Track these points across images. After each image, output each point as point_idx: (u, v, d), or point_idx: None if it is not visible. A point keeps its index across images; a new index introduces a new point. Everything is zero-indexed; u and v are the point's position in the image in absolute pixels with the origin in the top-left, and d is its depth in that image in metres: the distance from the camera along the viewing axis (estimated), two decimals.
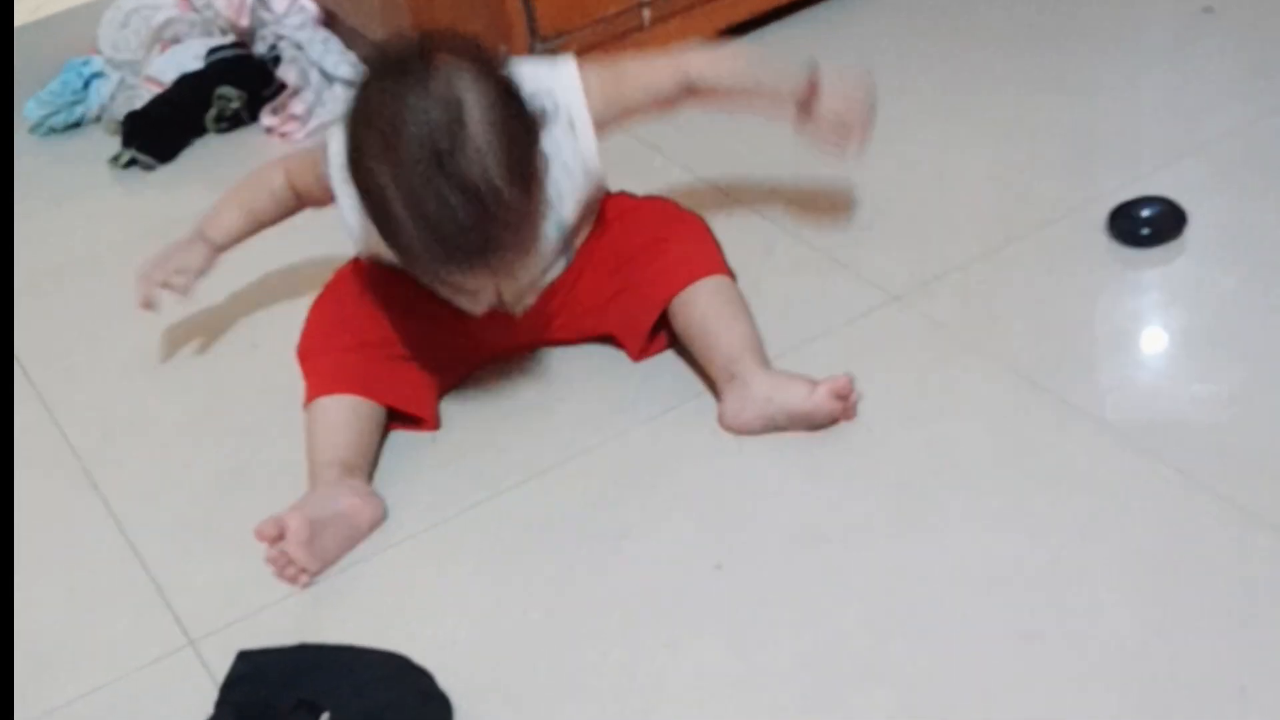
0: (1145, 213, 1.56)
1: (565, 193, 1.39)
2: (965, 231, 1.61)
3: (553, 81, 1.36)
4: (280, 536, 1.26)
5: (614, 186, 1.56)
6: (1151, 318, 1.51)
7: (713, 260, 1.46)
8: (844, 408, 1.35)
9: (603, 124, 1.40)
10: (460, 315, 1.43)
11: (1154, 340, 1.48)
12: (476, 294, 1.35)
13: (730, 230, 1.60)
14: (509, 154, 1.24)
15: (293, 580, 1.28)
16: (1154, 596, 1.17)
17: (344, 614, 1.25)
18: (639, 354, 1.47)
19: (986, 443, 1.33)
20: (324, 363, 1.41)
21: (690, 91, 1.44)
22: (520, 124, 1.27)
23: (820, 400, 1.34)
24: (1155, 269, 1.53)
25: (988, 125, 1.79)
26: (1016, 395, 1.38)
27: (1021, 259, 1.55)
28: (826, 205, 1.68)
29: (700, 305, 1.41)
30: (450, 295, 1.37)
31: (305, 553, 1.26)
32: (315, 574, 1.28)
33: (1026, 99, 1.82)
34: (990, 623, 1.16)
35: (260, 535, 1.26)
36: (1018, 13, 2.00)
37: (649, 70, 1.44)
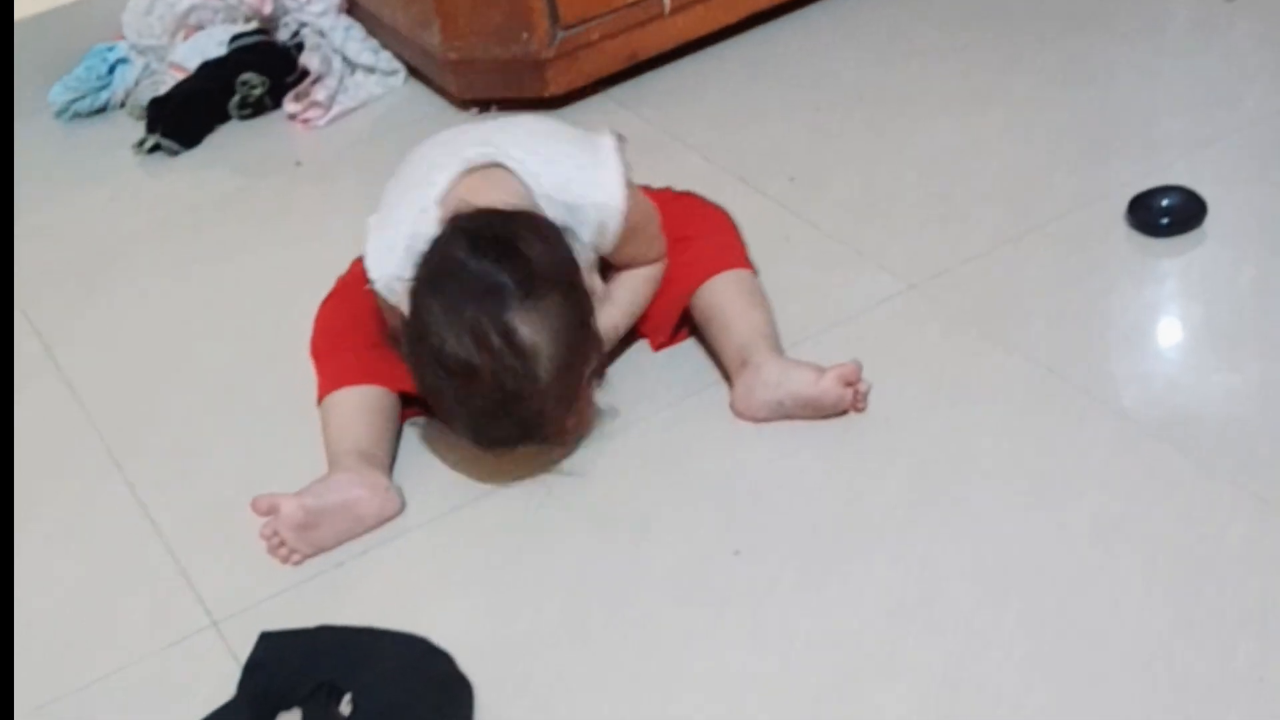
0: (1165, 202, 1.56)
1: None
2: (983, 220, 1.61)
3: (600, 210, 1.38)
4: (272, 513, 1.28)
5: (636, 177, 1.57)
6: (1170, 308, 1.51)
7: (735, 254, 1.47)
8: (852, 395, 1.36)
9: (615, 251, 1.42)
10: None
11: (1173, 330, 1.48)
12: None
13: (748, 219, 1.61)
14: (567, 393, 1.30)
15: (284, 560, 1.30)
16: (1172, 586, 1.17)
17: (365, 596, 1.27)
18: (659, 345, 1.48)
19: (1004, 432, 1.34)
20: (335, 359, 1.42)
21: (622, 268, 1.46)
22: (583, 359, 1.31)
23: (827, 386, 1.34)
24: (1175, 259, 1.53)
25: (1007, 114, 1.78)
26: (1035, 385, 1.38)
27: (1040, 248, 1.56)
28: (844, 195, 1.68)
29: (718, 295, 1.43)
30: None
31: (296, 536, 1.29)
32: (307, 557, 1.30)
33: (1046, 87, 1.82)
34: (1007, 612, 1.17)
35: (254, 508, 1.29)
36: (1038, 4, 2.00)
37: (655, 246, 1.46)
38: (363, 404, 1.38)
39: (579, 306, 1.31)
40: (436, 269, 1.28)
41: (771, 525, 1.28)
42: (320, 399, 1.41)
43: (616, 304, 1.44)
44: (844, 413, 1.36)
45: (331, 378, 1.40)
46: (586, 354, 1.32)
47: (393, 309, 1.35)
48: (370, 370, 1.40)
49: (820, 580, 1.22)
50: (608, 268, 1.46)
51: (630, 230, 1.41)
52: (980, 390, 1.39)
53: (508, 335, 1.25)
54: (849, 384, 1.35)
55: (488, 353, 1.24)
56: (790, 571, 1.23)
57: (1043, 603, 1.17)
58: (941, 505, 1.27)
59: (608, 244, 1.41)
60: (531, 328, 1.25)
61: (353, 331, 1.43)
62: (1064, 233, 1.57)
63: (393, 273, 1.33)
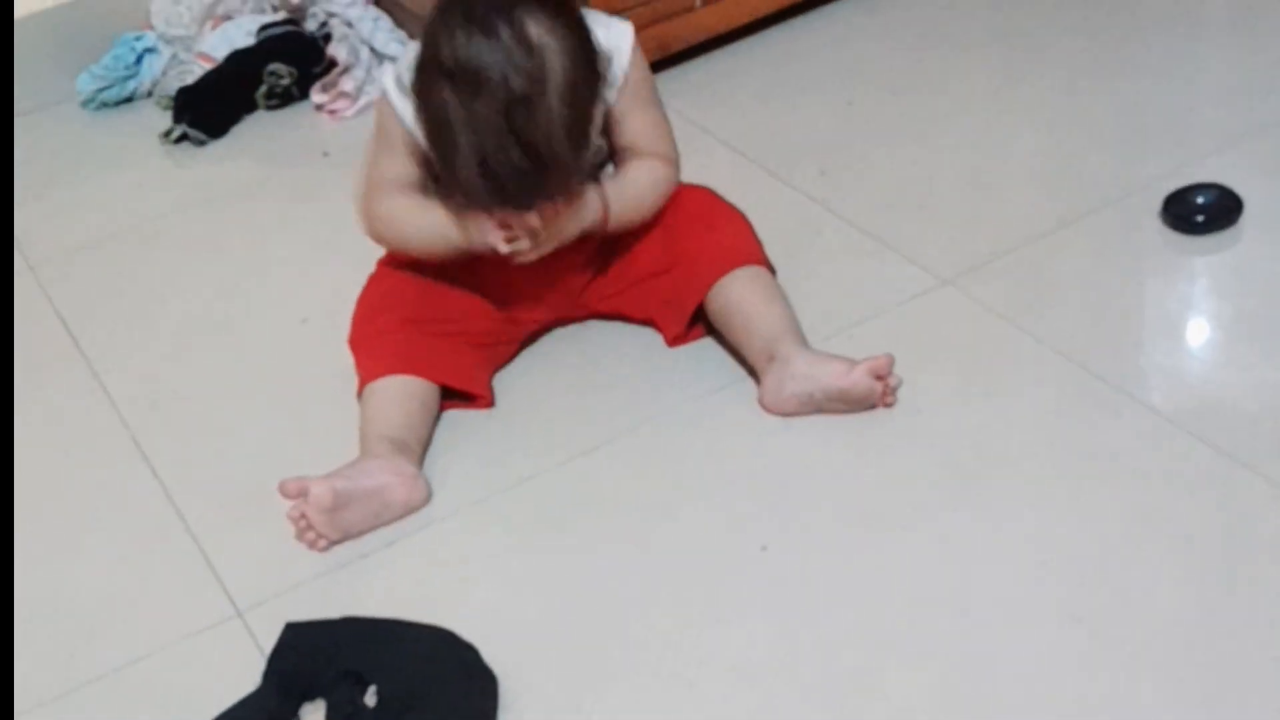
0: (1200, 199, 1.54)
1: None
2: (1016, 215, 1.59)
3: (611, 45, 1.38)
4: (301, 495, 1.27)
5: None
6: (1204, 304, 1.49)
7: (753, 251, 1.46)
8: (882, 388, 1.34)
9: (619, 93, 1.41)
10: (503, 289, 1.45)
11: (1206, 327, 1.46)
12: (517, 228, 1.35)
13: (779, 213, 1.60)
14: (575, 121, 1.29)
15: (311, 544, 1.29)
16: (1203, 579, 1.16)
17: (391, 587, 1.26)
18: (674, 340, 1.47)
19: (1036, 426, 1.33)
20: (375, 346, 1.42)
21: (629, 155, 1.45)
22: (590, 86, 1.32)
23: (858, 378, 1.33)
24: (1209, 256, 1.52)
25: (1040, 107, 1.77)
26: (1067, 380, 1.37)
27: (1073, 243, 1.54)
28: (876, 188, 1.67)
29: (737, 290, 1.42)
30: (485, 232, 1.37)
31: (324, 520, 1.28)
32: (334, 542, 1.29)
33: (1080, 79, 1.80)
34: (1038, 605, 1.16)
35: (282, 491, 1.28)
36: None
37: (658, 129, 1.45)
38: (403, 392, 1.37)
39: (588, 44, 1.31)
40: (444, 6, 1.30)
41: (799, 519, 1.27)
42: (362, 385, 1.40)
43: (615, 182, 1.43)
44: (873, 406, 1.35)
45: (375, 365, 1.40)
46: (594, 89, 1.33)
47: (393, 115, 1.37)
48: (414, 360, 1.39)
49: (849, 573, 1.21)
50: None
51: (639, 81, 1.41)
52: (1013, 384, 1.38)
53: (518, 31, 1.26)
54: (879, 377, 1.34)
55: (497, 46, 1.25)
56: (819, 565, 1.22)
57: (1075, 595, 1.16)
58: (973, 498, 1.26)
59: (615, 83, 1.39)
60: (541, 29, 1.27)
61: (397, 319, 1.42)
62: (1098, 227, 1.56)
63: (405, 64, 1.35)
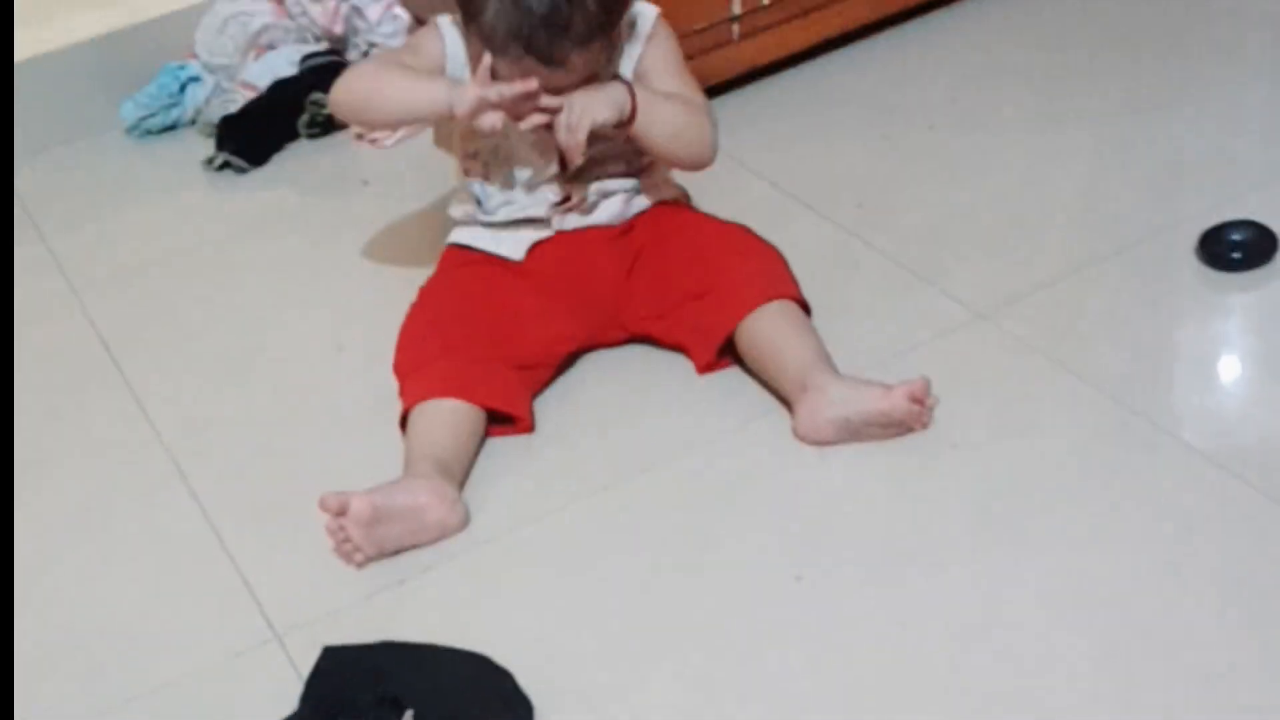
0: (1236, 236, 1.54)
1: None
2: (1052, 249, 1.60)
3: (639, 8, 1.47)
4: (341, 512, 1.28)
5: (698, 200, 1.57)
6: (1240, 342, 1.49)
7: (785, 284, 1.47)
8: (919, 412, 1.35)
9: (643, 58, 1.47)
10: (540, 307, 1.47)
11: (1242, 364, 1.46)
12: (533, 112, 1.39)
13: (815, 245, 1.61)
14: None
15: (347, 558, 1.31)
16: (1239, 618, 1.16)
17: (427, 612, 1.27)
18: (704, 368, 1.48)
19: (1071, 462, 1.33)
20: (422, 371, 1.43)
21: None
22: None
23: (897, 400, 1.34)
24: (1245, 293, 1.52)
25: (1078, 141, 1.77)
26: (1102, 415, 1.37)
27: (1109, 279, 1.54)
28: (912, 222, 1.67)
29: (769, 324, 1.43)
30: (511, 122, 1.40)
31: (362, 534, 1.29)
32: (370, 558, 1.31)
33: (1118, 115, 1.81)
34: (1073, 642, 1.16)
35: (323, 506, 1.29)
36: (1112, 28, 1.99)
37: (685, 87, 1.50)
38: (450, 415, 1.39)
39: None
40: None
41: (834, 550, 1.27)
42: (408, 408, 1.41)
43: (660, 90, 1.47)
44: (910, 430, 1.35)
45: (422, 388, 1.41)
46: None
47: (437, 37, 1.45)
48: (461, 384, 1.41)
49: (882, 606, 1.21)
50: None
51: (662, 45, 1.47)
52: (1047, 419, 1.38)
53: None
54: (916, 400, 1.34)
55: None
56: (853, 597, 1.22)
57: (1109, 631, 1.16)
58: (1007, 532, 1.26)
59: (639, 47, 1.46)
60: None
61: (441, 345, 1.44)
62: (1134, 263, 1.56)
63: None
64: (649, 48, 1.47)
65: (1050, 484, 1.31)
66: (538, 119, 1.40)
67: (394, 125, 1.72)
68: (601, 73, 1.43)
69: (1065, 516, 1.27)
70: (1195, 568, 1.21)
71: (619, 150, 1.49)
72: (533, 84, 1.37)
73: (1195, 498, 1.27)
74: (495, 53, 1.38)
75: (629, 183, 1.52)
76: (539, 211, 1.50)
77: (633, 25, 1.46)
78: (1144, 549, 1.23)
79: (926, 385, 1.35)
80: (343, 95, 1.49)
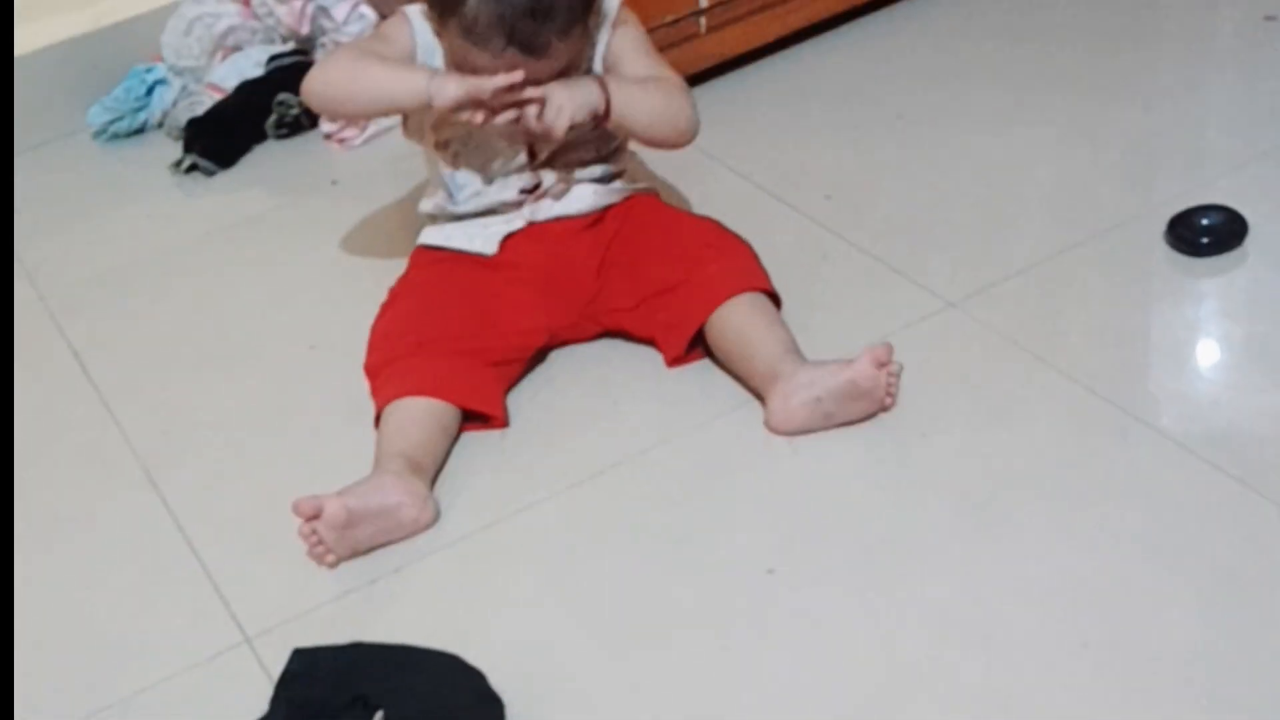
0: (1206, 221, 1.55)
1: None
2: (1023, 238, 1.60)
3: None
4: (315, 516, 1.28)
5: (667, 194, 1.57)
6: (1211, 327, 1.49)
7: (755, 276, 1.47)
8: (885, 379, 1.35)
9: (612, 46, 1.48)
10: (512, 301, 1.47)
11: (1214, 350, 1.46)
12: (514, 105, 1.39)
13: (786, 237, 1.60)
14: None
15: (319, 560, 1.30)
16: (1215, 606, 1.16)
17: (398, 613, 1.26)
18: (674, 361, 1.48)
19: (1045, 451, 1.33)
20: (393, 370, 1.43)
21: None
22: None
23: (861, 367, 1.34)
24: (1215, 278, 1.52)
25: (1047, 131, 1.77)
26: (1075, 404, 1.37)
27: (1080, 266, 1.54)
28: (882, 213, 1.67)
29: (739, 316, 1.43)
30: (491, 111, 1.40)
31: (335, 537, 1.29)
32: (342, 558, 1.30)
33: (1087, 105, 1.81)
34: (1049, 632, 1.15)
35: (297, 510, 1.28)
36: (1079, 18, 1.99)
37: (657, 69, 1.51)
38: (422, 413, 1.38)
39: None
40: None
41: (807, 542, 1.27)
42: (383, 404, 1.40)
43: (637, 81, 1.48)
44: (882, 403, 1.36)
45: (394, 387, 1.41)
46: None
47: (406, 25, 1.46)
48: (432, 382, 1.40)
49: (856, 598, 1.21)
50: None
51: (628, 32, 1.48)
52: (1020, 408, 1.38)
53: None
54: (881, 364, 1.34)
55: None
56: (826, 589, 1.22)
57: (1086, 620, 1.16)
58: (982, 521, 1.26)
59: (605, 34, 1.46)
60: None
61: (412, 342, 1.44)
62: (1105, 251, 1.56)
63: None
64: (616, 34, 1.48)
65: (1025, 472, 1.31)
66: (513, 114, 1.39)
67: (370, 115, 1.71)
68: (578, 61, 1.43)
69: (1040, 505, 1.27)
70: (1171, 554, 1.21)
71: (588, 135, 1.49)
72: (518, 76, 1.37)
73: (1169, 484, 1.27)
74: (475, 44, 1.37)
75: (599, 169, 1.52)
76: (509, 197, 1.50)
77: (599, 13, 1.46)
78: (1119, 536, 1.23)
79: (889, 350, 1.35)
80: (318, 86, 1.48)
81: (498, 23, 1.35)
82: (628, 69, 1.48)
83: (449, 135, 1.50)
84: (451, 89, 1.38)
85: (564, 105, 1.39)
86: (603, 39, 1.47)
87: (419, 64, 1.46)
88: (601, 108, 1.42)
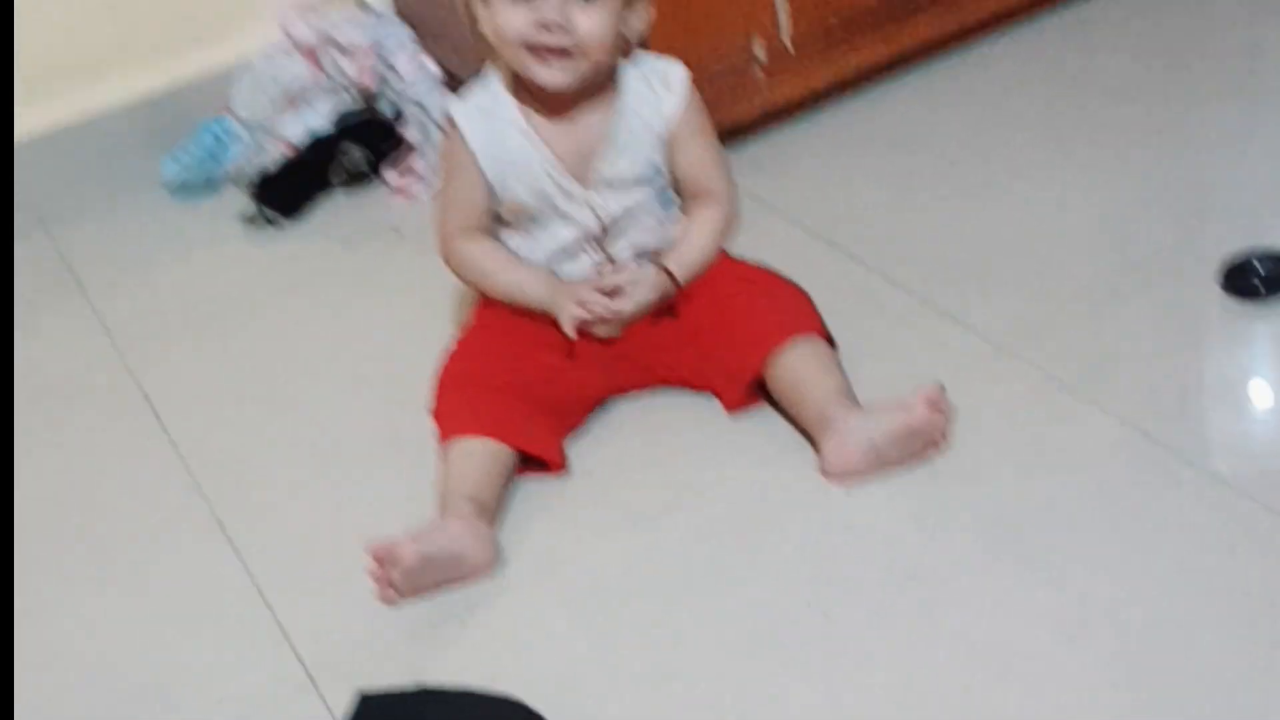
0: (1259, 266, 1.55)
1: (640, 137, 1.49)
2: (1075, 281, 1.61)
3: (668, 74, 1.50)
4: (388, 560, 1.31)
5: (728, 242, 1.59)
6: (1264, 371, 1.49)
7: (810, 321, 1.50)
8: (939, 420, 1.37)
9: (677, 121, 1.50)
10: (574, 357, 1.50)
11: (1266, 393, 1.46)
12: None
13: (837, 281, 1.62)
14: None
15: (386, 600, 1.33)
16: (1266, 647, 1.16)
17: (460, 654, 1.29)
18: (733, 405, 1.50)
19: (1095, 492, 1.33)
20: (457, 412, 1.46)
21: (692, 197, 1.55)
22: None
23: (916, 409, 1.36)
24: (1268, 323, 1.52)
25: (1101, 174, 1.78)
26: (1126, 446, 1.38)
27: (1132, 310, 1.55)
28: (934, 257, 1.69)
29: (794, 361, 1.45)
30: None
31: (405, 582, 1.32)
32: (405, 598, 1.34)
33: (1138, 149, 1.82)
34: (1095, 671, 1.16)
35: (371, 554, 1.32)
36: (1134, 62, 2.00)
37: (713, 157, 1.54)
38: (484, 454, 1.42)
39: None
40: None
41: (859, 584, 1.28)
42: (444, 439, 1.44)
43: (678, 253, 1.52)
44: (934, 445, 1.37)
45: (457, 427, 1.44)
46: None
47: (459, 139, 1.50)
48: (495, 424, 1.44)
49: (908, 639, 1.22)
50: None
51: (695, 110, 1.50)
52: (1070, 451, 1.38)
53: None
54: (934, 405, 1.36)
55: None
56: (878, 630, 1.23)
57: (1134, 661, 1.16)
58: (1032, 565, 1.27)
59: (672, 105, 1.48)
60: None
61: (477, 388, 1.47)
62: (1157, 295, 1.56)
63: (467, 89, 1.51)
64: (684, 116, 1.50)
65: (1075, 516, 1.31)
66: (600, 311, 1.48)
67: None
68: (612, 13, 1.42)
69: (1091, 548, 1.28)
70: (1223, 596, 1.21)
71: (648, 204, 1.53)
72: (616, 281, 1.47)
73: (1221, 527, 1.28)
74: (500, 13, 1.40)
75: (660, 235, 1.54)
76: (577, 273, 1.53)
77: (665, 80, 1.50)
78: (1170, 579, 1.23)
79: (941, 389, 1.37)
80: (456, 271, 1.56)
81: None
82: (683, 156, 1.51)
83: (515, 215, 1.53)
84: (567, 317, 1.48)
85: (640, 304, 1.49)
86: (667, 108, 1.49)
87: (536, 273, 1.52)
88: (671, 291, 1.51)
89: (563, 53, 1.41)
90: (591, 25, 1.40)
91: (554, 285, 1.51)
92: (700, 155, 1.52)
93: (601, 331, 1.50)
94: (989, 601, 1.24)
